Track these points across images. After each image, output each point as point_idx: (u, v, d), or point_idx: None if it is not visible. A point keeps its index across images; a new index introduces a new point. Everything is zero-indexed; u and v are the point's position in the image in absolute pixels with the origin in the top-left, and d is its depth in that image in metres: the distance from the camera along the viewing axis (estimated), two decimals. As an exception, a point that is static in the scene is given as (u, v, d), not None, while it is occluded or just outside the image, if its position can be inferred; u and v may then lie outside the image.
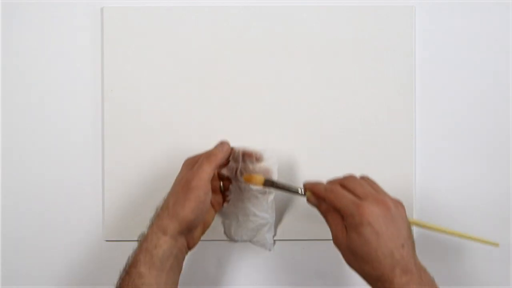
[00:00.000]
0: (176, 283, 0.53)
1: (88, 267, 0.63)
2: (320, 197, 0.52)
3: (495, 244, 0.55)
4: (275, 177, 0.57)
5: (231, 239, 0.62)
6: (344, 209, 0.48)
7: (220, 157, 0.53)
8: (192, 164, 0.53)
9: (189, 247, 0.54)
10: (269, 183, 0.55)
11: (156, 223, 0.51)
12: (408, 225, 0.49)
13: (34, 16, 0.63)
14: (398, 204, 0.49)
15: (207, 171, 0.51)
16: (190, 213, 0.50)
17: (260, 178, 0.55)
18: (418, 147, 0.62)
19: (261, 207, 0.58)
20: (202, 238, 0.62)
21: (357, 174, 0.52)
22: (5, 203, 0.63)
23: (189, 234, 0.53)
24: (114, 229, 0.62)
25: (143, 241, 0.51)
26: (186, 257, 0.60)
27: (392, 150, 0.62)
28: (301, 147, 0.60)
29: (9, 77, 0.63)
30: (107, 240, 0.63)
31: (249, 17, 0.62)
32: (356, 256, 0.48)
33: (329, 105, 0.60)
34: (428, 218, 0.59)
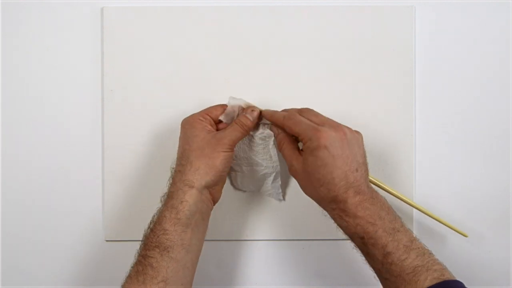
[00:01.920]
0: (201, 242, 0.54)
1: (88, 267, 0.63)
2: (279, 125, 0.54)
3: (464, 235, 0.58)
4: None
5: (238, 190, 0.62)
6: (303, 134, 0.50)
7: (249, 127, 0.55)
8: (191, 123, 0.55)
9: (214, 201, 0.56)
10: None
11: (179, 180, 0.53)
12: (364, 152, 0.52)
13: (34, 16, 0.62)
14: (355, 132, 0.52)
15: (238, 136, 0.54)
16: (219, 164, 0.53)
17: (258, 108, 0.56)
18: (418, 147, 0.62)
19: (263, 155, 0.58)
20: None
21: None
22: (5, 203, 0.63)
23: (213, 188, 0.54)
24: (114, 229, 0.62)
25: (168, 199, 0.52)
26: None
27: (392, 150, 0.62)
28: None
29: (8, 77, 0.63)
30: (107, 240, 0.63)
31: (249, 17, 0.62)
32: (312, 180, 0.50)
33: (329, 105, 0.60)
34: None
